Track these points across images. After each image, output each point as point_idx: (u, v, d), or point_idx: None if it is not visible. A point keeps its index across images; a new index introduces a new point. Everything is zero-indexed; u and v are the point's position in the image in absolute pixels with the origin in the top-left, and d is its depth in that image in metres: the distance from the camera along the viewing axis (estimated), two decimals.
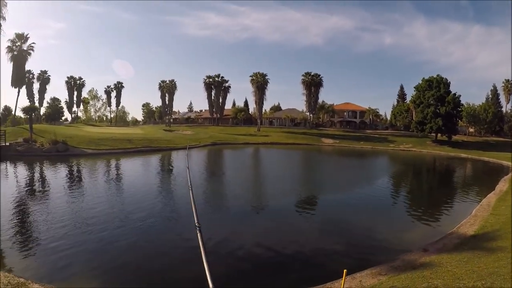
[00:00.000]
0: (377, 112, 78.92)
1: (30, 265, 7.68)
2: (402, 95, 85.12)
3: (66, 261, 7.85)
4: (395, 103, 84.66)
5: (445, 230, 10.62)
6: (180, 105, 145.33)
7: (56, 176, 20.94)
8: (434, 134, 55.52)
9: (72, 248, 8.62)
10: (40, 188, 17.42)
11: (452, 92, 53.75)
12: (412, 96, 60.60)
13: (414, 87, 58.98)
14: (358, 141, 57.40)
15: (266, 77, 71.39)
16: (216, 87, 79.30)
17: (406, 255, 8.44)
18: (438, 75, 55.93)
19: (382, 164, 35.78)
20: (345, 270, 5.34)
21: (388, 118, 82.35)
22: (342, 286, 5.54)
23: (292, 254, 8.84)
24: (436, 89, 54.26)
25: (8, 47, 53.02)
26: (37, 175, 22.07)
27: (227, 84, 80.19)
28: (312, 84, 70.92)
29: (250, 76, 71.74)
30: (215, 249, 8.80)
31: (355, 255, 8.85)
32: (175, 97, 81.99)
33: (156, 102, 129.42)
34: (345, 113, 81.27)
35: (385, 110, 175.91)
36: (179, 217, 11.75)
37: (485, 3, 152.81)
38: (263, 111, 78.26)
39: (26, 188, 16.96)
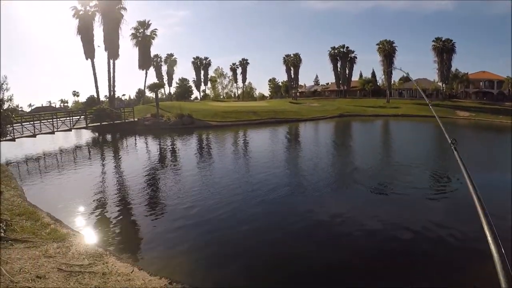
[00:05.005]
0: None
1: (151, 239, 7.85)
2: None
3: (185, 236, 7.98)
4: None
5: None
6: (305, 79, 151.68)
7: (183, 146, 22.42)
8: None
9: (194, 220, 8.96)
10: (170, 158, 18.60)
11: None
12: None
13: None
14: (497, 115, 55.48)
15: (394, 45, 70.09)
16: (342, 58, 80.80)
17: None
18: None
19: None
20: None
21: None
22: None
23: (430, 248, 7.41)
24: None
25: (132, 34, 57.96)
26: (164, 146, 23.86)
27: (352, 55, 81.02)
28: (444, 50, 67.94)
29: (377, 45, 70.99)
30: (337, 229, 8.50)
31: None
32: (300, 70, 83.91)
33: (281, 77, 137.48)
34: (480, 83, 76.72)
35: None
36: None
37: None
38: (392, 82, 77.57)
39: (156, 158, 18.38)
